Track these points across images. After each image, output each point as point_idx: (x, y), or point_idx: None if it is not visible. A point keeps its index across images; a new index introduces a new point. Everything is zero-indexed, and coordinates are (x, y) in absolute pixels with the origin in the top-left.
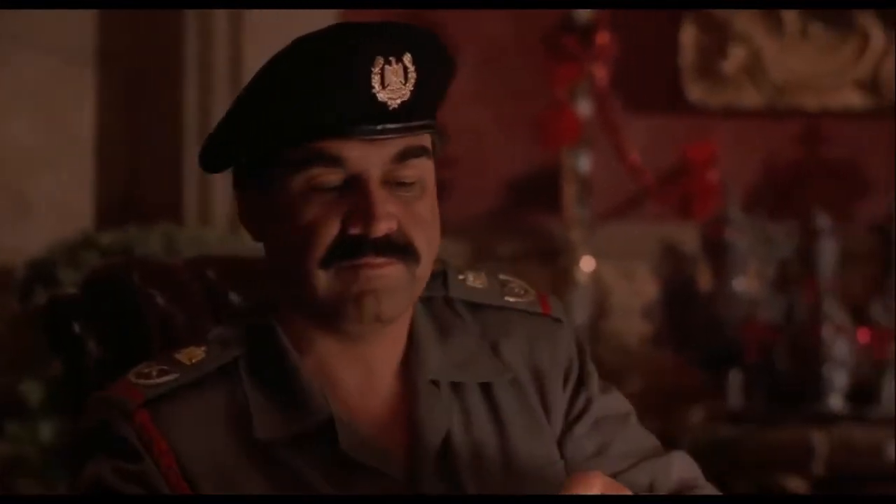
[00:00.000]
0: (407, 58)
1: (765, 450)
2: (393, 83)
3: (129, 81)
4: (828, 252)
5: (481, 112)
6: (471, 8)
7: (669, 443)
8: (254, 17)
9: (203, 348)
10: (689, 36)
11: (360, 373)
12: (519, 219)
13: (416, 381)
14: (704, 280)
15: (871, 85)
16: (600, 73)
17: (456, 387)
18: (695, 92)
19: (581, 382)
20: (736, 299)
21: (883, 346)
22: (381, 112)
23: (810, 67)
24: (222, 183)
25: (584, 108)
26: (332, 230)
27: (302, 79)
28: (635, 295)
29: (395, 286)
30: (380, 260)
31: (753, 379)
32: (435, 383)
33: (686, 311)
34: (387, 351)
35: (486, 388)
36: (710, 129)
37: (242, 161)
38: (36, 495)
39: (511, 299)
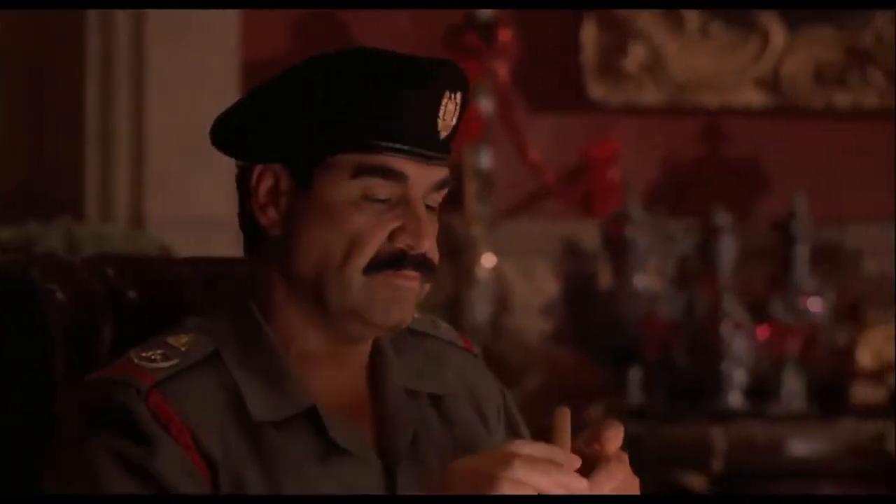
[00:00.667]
0: (458, 95)
1: (665, 446)
2: (448, 116)
3: (30, 78)
4: (727, 249)
5: None
6: (374, 7)
7: None
8: (156, 14)
9: (188, 336)
10: (590, 34)
11: (339, 370)
12: None
13: (385, 384)
14: (605, 277)
15: (772, 83)
16: (502, 70)
17: (411, 394)
18: (596, 90)
19: (512, 426)
20: (636, 296)
21: (782, 343)
22: (434, 140)
23: (711, 66)
24: (124, 178)
25: (486, 105)
26: (379, 240)
27: (380, 93)
28: (536, 292)
29: (413, 298)
30: (413, 274)
31: (653, 376)
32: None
33: (587, 309)
34: (362, 354)
35: (437, 400)
36: (612, 128)
37: (285, 154)
38: (36, 494)
39: (442, 332)
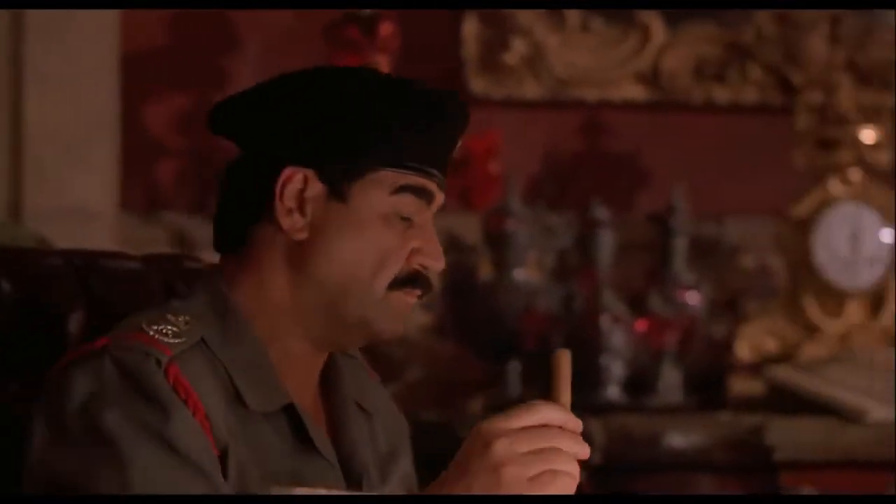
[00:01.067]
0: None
1: None
2: (457, 145)
3: None
4: (605, 242)
5: None
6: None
7: (449, 433)
8: (35, 16)
9: (184, 317)
10: (471, 29)
11: (308, 375)
12: None
13: (339, 394)
14: (485, 270)
15: (651, 78)
16: (383, 64)
17: (359, 406)
18: (477, 84)
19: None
20: (515, 290)
21: (660, 337)
22: (447, 167)
23: (591, 61)
24: (2, 171)
25: None
26: (403, 258)
27: (426, 119)
28: None
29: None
30: (419, 293)
31: (532, 369)
32: None
33: (467, 302)
34: (322, 363)
35: (369, 418)
36: (492, 121)
37: (320, 162)
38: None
39: (358, 356)
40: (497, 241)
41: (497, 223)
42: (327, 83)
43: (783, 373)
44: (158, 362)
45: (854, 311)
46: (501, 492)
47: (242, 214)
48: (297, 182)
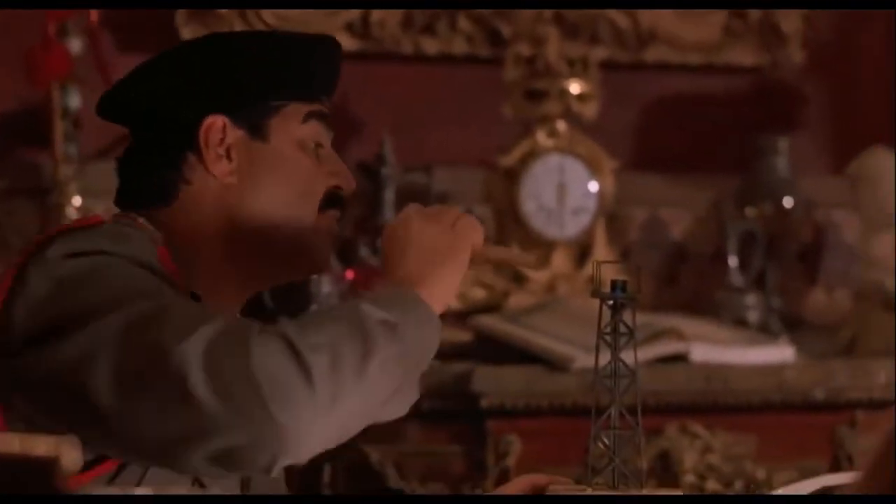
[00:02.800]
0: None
1: None
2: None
3: None
4: None
5: None
6: None
7: None
8: None
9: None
10: None
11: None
12: (7, 155)
13: None
14: None
15: (361, 29)
16: (92, 10)
17: None
18: (188, 32)
19: None
20: None
21: (369, 286)
22: (332, 95)
23: (300, 10)
24: None
25: (75, 45)
26: (324, 181)
27: (313, 52)
28: None
29: None
30: (338, 214)
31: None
32: None
33: None
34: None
35: None
36: None
37: (231, 108)
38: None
39: None
40: None
41: None
42: (222, 41)
43: (489, 321)
44: (153, 239)
45: (560, 261)
46: (430, 240)
47: (152, 176)
48: (217, 129)
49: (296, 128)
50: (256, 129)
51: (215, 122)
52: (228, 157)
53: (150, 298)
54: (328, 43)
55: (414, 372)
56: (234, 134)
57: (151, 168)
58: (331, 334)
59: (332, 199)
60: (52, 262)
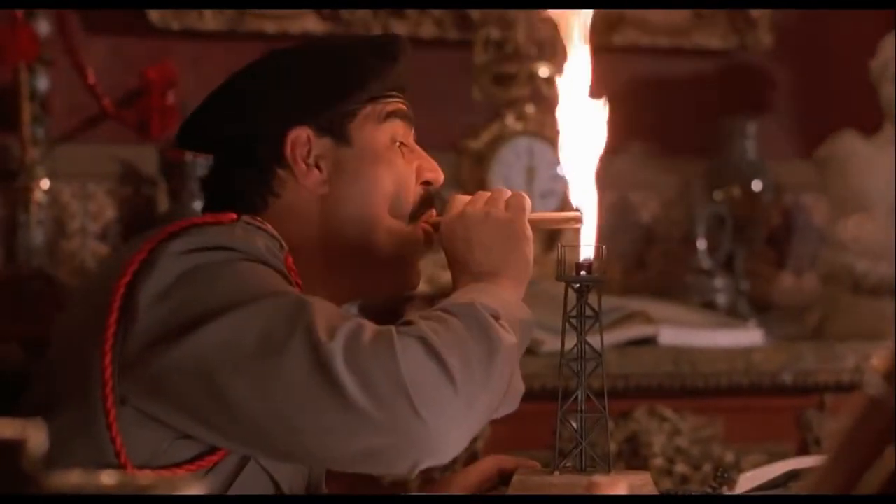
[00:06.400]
0: None
1: None
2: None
3: None
4: None
5: None
6: None
7: None
8: None
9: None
10: None
11: None
12: None
13: None
14: (163, 202)
15: (330, 11)
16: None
17: None
18: (155, 14)
19: None
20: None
21: None
22: (405, 90)
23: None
24: None
25: (43, 26)
26: (414, 179)
27: (385, 55)
28: (93, 217)
29: None
30: (434, 211)
31: None
32: None
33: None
34: None
35: None
36: (170, 51)
37: (311, 118)
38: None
39: None
40: (175, 173)
41: (175, 154)
42: (288, 55)
43: None
44: (282, 245)
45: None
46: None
47: (255, 188)
48: (303, 142)
49: (377, 128)
50: (340, 136)
51: (300, 135)
52: (318, 167)
53: (286, 293)
54: (394, 40)
55: (517, 365)
56: (320, 144)
57: (238, 186)
58: (459, 334)
59: (425, 201)
60: (181, 256)
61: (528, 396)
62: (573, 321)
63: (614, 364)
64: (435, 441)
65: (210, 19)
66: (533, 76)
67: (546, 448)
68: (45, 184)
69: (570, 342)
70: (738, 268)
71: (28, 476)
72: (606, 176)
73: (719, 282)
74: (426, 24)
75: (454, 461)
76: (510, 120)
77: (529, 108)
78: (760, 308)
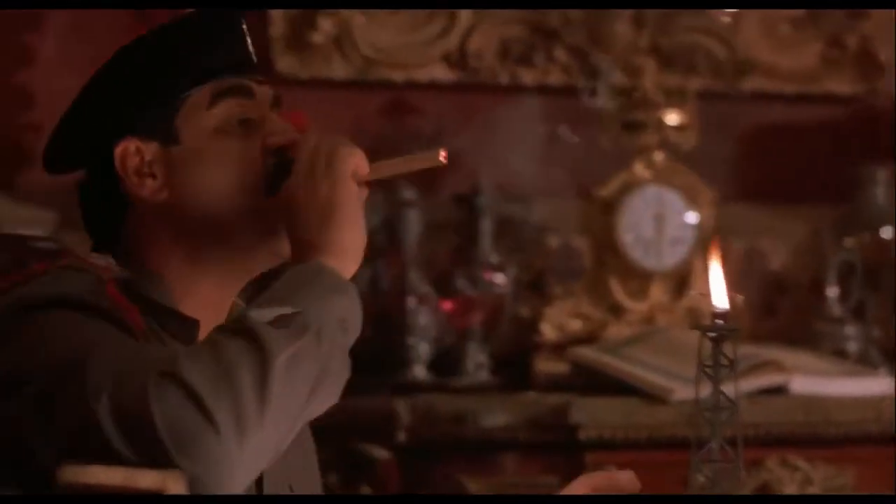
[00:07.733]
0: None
1: (349, 419)
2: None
3: None
4: (412, 223)
5: (70, 79)
6: None
7: None
8: None
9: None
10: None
11: (218, 315)
12: None
13: None
14: None
15: (458, 59)
16: None
17: None
18: (284, 63)
19: None
20: None
21: (466, 316)
22: (252, 63)
23: (398, 41)
24: None
25: None
26: (257, 156)
27: (204, 34)
28: None
29: None
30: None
31: None
32: None
33: None
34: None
35: None
36: (299, 101)
37: (137, 123)
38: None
39: None
40: None
41: None
42: (110, 60)
43: (587, 353)
44: (99, 279)
45: (658, 292)
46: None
47: (96, 215)
48: (131, 153)
49: (205, 115)
50: (167, 135)
51: (127, 147)
52: (152, 175)
53: (74, 352)
54: (214, 15)
55: (334, 352)
56: (150, 149)
57: (91, 204)
58: (226, 359)
59: (282, 167)
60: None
61: (659, 445)
62: (708, 370)
63: (745, 412)
64: (210, 481)
65: (338, 68)
66: (661, 123)
67: None
68: None
69: (703, 390)
70: (869, 315)
71: None
72: (735, 223)
73: (850, 329)
74: (554, 72)
75: None
76: (639, 168)
77: (658, 156)
78: (892, 356)
